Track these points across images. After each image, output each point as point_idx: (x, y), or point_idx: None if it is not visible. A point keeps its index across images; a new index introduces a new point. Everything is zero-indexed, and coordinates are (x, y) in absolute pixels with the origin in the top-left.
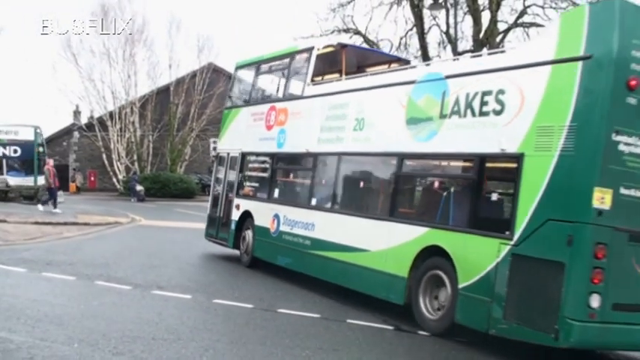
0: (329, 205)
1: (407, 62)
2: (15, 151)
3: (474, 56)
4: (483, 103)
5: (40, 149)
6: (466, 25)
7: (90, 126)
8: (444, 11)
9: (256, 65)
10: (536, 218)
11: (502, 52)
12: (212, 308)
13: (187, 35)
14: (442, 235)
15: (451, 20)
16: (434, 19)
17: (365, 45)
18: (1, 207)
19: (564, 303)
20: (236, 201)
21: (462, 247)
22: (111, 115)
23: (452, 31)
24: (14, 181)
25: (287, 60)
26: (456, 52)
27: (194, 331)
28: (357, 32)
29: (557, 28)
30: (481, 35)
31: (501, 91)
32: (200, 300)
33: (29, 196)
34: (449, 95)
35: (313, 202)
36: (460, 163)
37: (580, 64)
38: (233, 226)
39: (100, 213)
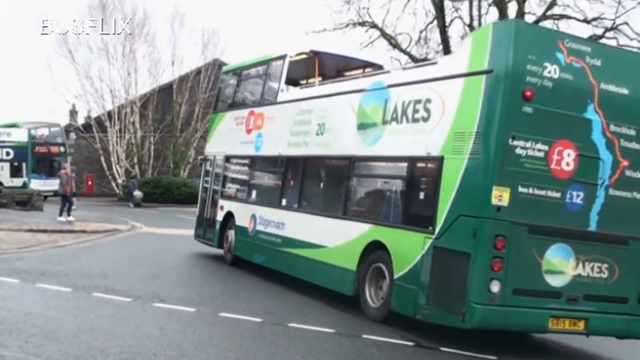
0: (296, 205)
1: (380, 67)
2: (7, 154)
3: (408, 68)
4: (415, 111)
5: (62, 149)
6: (491, 18)
7: (87, 127)
8: (466, 2)
9: (239, 71)
10: (451, 214)
11: (433, 64)
12: (218, 322)
13: (191, 30)
14: (383, 231)
15: (475, 12)
16: (456, 10)
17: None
18: None
19: (469, 288)
20: (220, 202)
21: (397, 241)
22: (109, 115)
23: (475, 23)
24: (35, 184)
25: (264, 67)
26: None
27: (198, 347)
28: (374, 26)
29: (470, 44)
30: None
31: (428, 100)
32: (205, 313)
33: (22, 202)
34: (390, 103)
35: (284, 202)
36: (397, 165)
37: (484, 77)
38: (218, 227)
39: (97, 220)
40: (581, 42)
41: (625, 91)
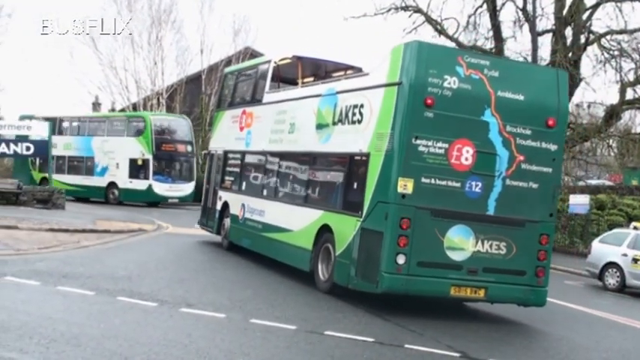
0: (273, 195)
1: (359, 70)
2: (27, 149)
3: (348, 77)
4: (353, 114)
5: (189, 148)
6: (547, 1)
7: None
8: None
9: (237, 73)
10: (373, 201)
11: (366, 74)
12: (249, 329)
13: (222, 16)
14: (330, 216)
15: None
16: None
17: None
18: (13, 212)
19: (381, 260)
20: (219, 193)
21: (339, 224)
22: (134, 107)
23: (530, 7)
24: (159, 188)
25: (254, 70)
26: (534, 32)
27: (228, 355)
28: (418, 10)
29: (389, 59)
30: (564, 12)
31: (362, 105)
32: (235, 319)
33: (43, 200)
34: (338, 107)
35: (264, 192)
36: (341, 160)
37: (396, 87)
38: (217, 215)
39: (122, 219)
40: (480, 57)
41: (520, 97)
